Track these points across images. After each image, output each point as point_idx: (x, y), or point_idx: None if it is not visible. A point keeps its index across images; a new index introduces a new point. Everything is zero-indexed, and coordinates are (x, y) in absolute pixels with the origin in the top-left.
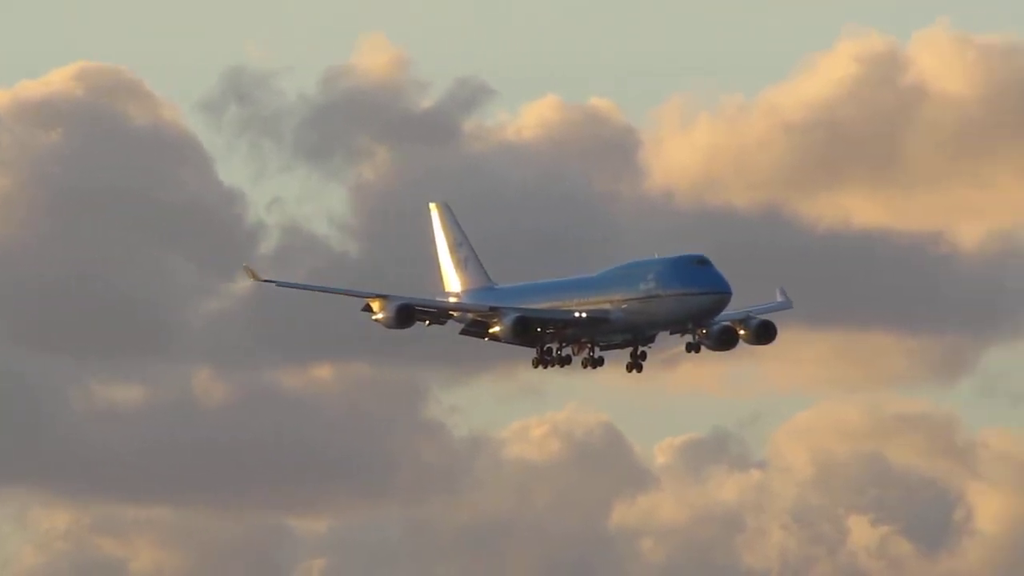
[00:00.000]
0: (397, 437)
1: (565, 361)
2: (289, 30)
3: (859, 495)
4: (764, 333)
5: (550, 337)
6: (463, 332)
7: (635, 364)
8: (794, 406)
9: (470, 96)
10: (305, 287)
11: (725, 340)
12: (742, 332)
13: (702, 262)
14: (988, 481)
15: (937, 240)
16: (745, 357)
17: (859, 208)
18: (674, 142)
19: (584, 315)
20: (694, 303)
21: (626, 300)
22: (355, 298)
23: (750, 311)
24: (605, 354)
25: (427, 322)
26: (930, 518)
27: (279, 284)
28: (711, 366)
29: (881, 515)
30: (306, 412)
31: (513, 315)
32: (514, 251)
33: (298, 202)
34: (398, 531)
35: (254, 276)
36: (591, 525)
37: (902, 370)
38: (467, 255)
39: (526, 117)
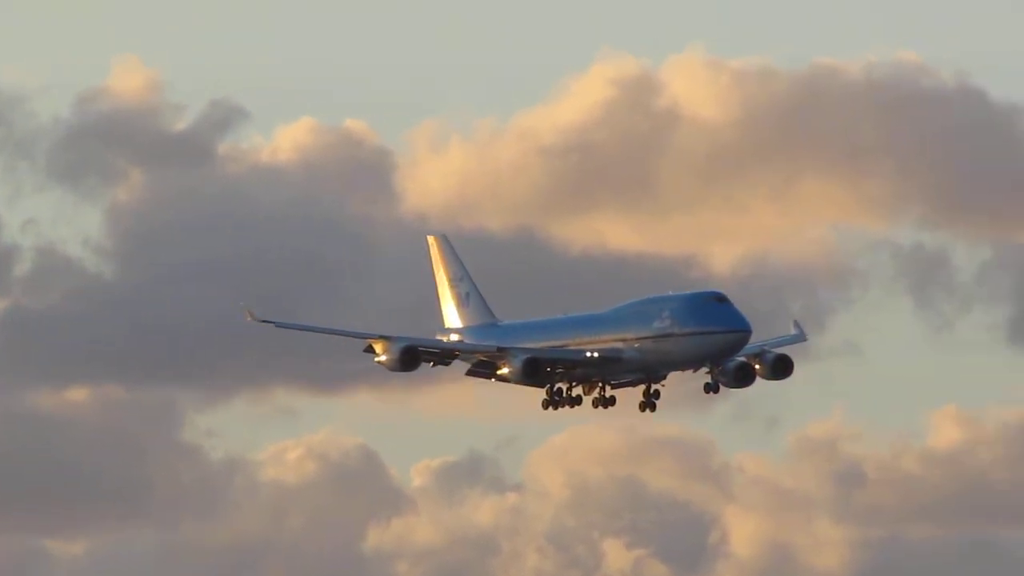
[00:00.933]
0: (153, 459)
1: (576, 402)
2: (43, 52)
3: (614, 518)
4: (781, 367)
5: (560, 377)
6: (469, 372)
7: (648, 403)
8: (550, 430)
9: (224, 118)
10: (304, 327)
11: (742, 377)
12: (757, 367)
13: (720, 299)
14: (742, 504)
15: (690, 263)
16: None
17: (613, 231)
18: (428, 165)
19: (596, 355)
20: (713, 342)
21: (640, 339)
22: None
23: (764, 345)
24: (617, 393)
25: (432, 363)
26: (684, 541)
27: (278, 325)
28: (466, 389)
29: (635, 538)
30: (60, 434)
31: (523, 356)
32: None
33: (52, 224)
34: (153, 553)
35: (252, 317)
36: (346, 547)
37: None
38: (468, 290)
39: (281, 139)
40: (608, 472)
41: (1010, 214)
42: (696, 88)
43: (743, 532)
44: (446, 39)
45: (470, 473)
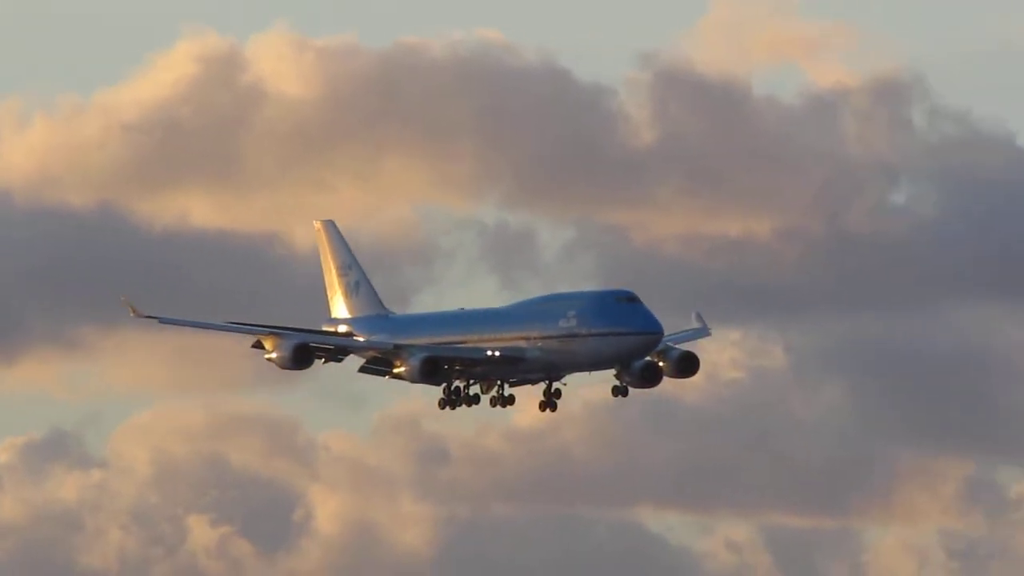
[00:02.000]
0: None
1: (474, 400)
2: None
3: (199, 495)
4: (686, 365)
5: (457, 375)
6: (363, 369)
7: (549, 403)
8: (135, 406)
9: None
10: (189, 323)
11: (648, 377)
12: (662, 365)
13: (630, 299)
14: (327, 483)
15: (273, 241)
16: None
17: (197, 209)
18: (11, 141)
19: (497, 354)
20: (623, 343)
21: (544, 338)
22: None
23: (667, 341)
24: (516, 391)
25: (323, 359)
26: (269, 518)
27: (162, 320)
28: (52, 365)
29: (220, 515)
30: None
31: (421, 355)
32: None
33: None
34: None
35: (134, 311)
36: None
37: (241, 375)
38: (358, 279)
39: None
40: (193, 449)
41: (593, 194)
42: (281, 66)
43: (327, 510)
44: (30, 14)
45: (54, 450)
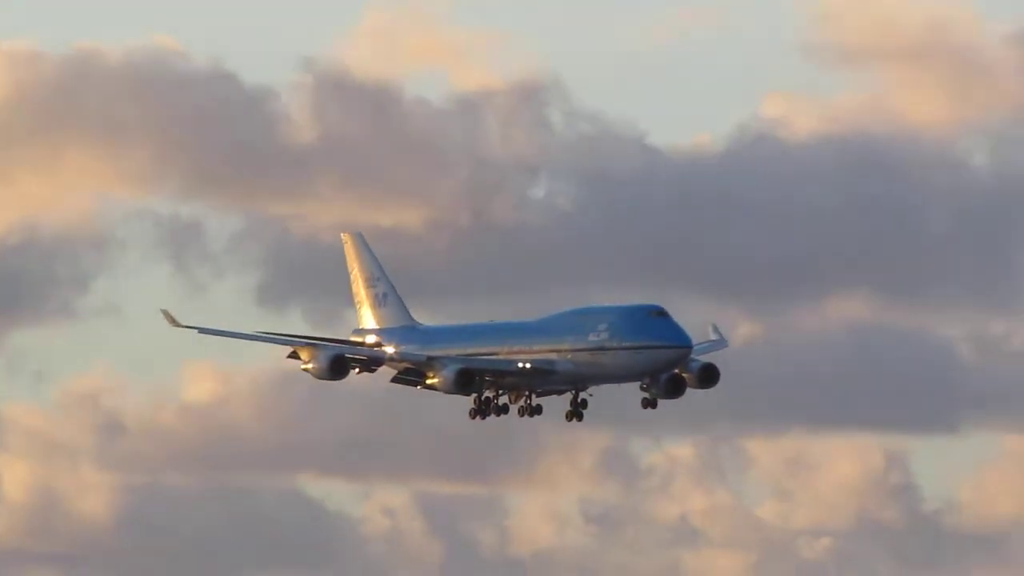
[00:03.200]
0: None
1: (503, 410)
2: None
3: None
4: (707, 377)
5: (488, 385)
6: (395, 380)
7: (575, 412)
8: None
9: None
10: (229, 334)
11: (673, 389)
12: (685, 376)
13: (660, 313)
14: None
15: None
16: None
17: None
18: None
19: (528, 365)
20: (653, 357)
21: (574, 350)
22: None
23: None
24: (543, 401)
25: (357, 370)
26: None
27: (201, 331)
28: None
29: None
30: None
31: (455, 367)
32: None
33: None
34: None
35: (172, 322)
36: None
37: None
38: (385, 290)
39: None
40: None
41: (259, 187)
42: None
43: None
44: None
45: None
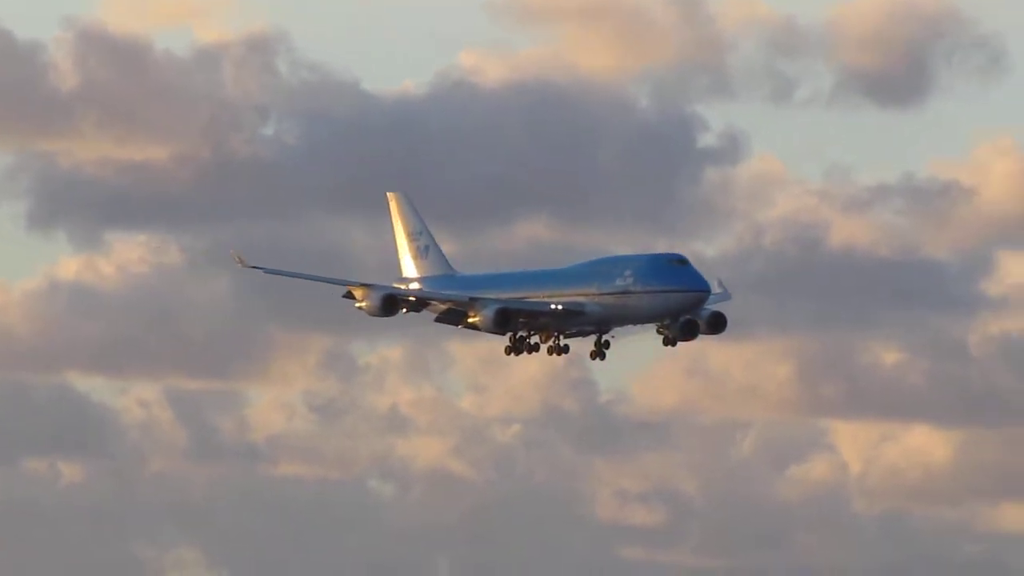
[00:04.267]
0: None
1: (534, 349)
2: None
3: None
4: (716, 323)
5: (522, 326)
6: (438, 319)
7: (599, 352)
8: None
9: None
10: (291, 274)
11: (688, 331)
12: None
13: (681, 262)
14: None
15: None
16: None
17: None
18: None
19: (560, 307)
20: (674, 300)
21: (601, 294)
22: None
23: None
24: (570, 342)
25: (405, 310)
26: None
27: (266, 271)
28: None
29: None
30: None
31: (495, 306)
32: None
33: None
34: None
35: (241, 262)
36: None
37: None
38: (427, 243)
39: None
40: None
41: (29, 128)
42: None
43: None
44: None
45: None
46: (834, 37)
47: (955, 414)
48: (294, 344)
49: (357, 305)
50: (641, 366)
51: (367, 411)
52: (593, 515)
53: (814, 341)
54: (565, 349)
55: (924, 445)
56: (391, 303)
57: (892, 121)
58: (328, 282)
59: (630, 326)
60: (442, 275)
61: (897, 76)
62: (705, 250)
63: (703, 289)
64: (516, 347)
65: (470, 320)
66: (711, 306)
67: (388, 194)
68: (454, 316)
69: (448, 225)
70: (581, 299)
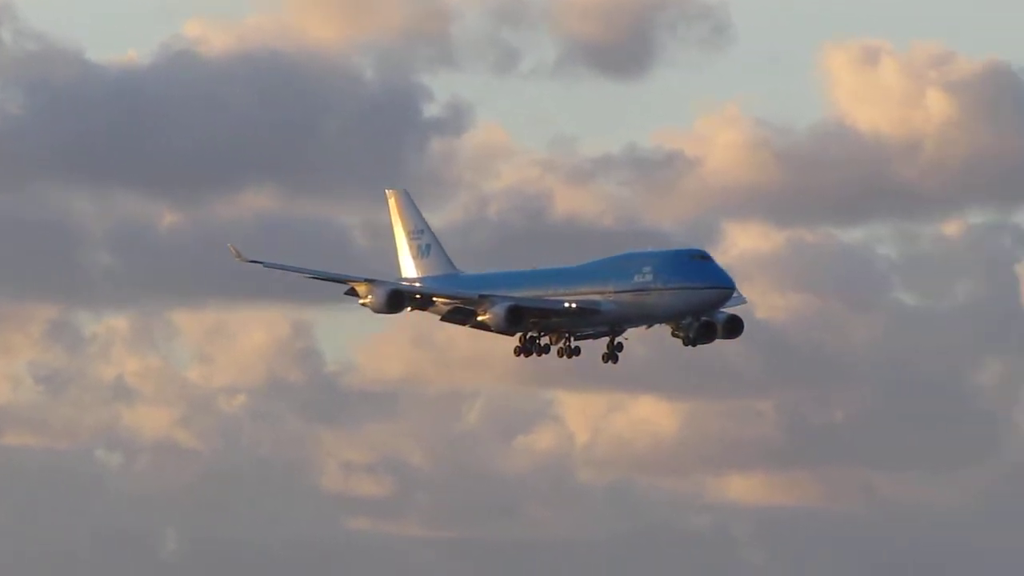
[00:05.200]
0: None
1: (544, 350)
2: None
3: None
4: (733, 327)
5: (533, 326)
6: (445, 318)
7: (611, 355)
8: None
9: None
10: (291, 268)
11: (706, 334)
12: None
13: (703, 257)
14: None
15: None
16: None
17: None
18: None
19: (574, 306)
20: (697, 297)
21: (618, 292)
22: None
23: None
24: (581, 344)
25: (411, 308)
26: None
27: (266, 265)
28: None
29: None
30: None
31: (506, 304)
32: None
33: None
34: None
35: (239, 256)
36: None
37: None
38: (428, 242)
39: None
40: None
41: None
42: None
43: None
44: None
45: None
46: (558, 7)
47: (681, 388)
48: (18, 315)
49: (360, 302)
50: (366, 337)
51: (93, 381)
52: (319, 485)
53: None
54: (576, 351)
55: (651, 416)
56: (397, 299)
57: (616, 92)
58: (331, 279)
59: (644, 327)
60: (445, 274)
61: (621, 47)
62: (432, 219)
63: (728, 285)
64: (526, 348)
65: (479, 319)
66: (727, 309)
67: (387, 192)
68: (462, 315)
69: (168, 195)
70: (596, 297)
